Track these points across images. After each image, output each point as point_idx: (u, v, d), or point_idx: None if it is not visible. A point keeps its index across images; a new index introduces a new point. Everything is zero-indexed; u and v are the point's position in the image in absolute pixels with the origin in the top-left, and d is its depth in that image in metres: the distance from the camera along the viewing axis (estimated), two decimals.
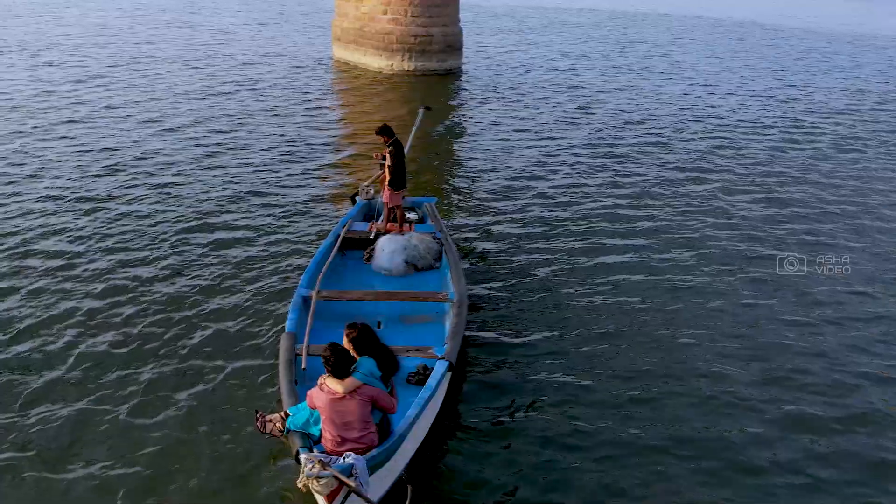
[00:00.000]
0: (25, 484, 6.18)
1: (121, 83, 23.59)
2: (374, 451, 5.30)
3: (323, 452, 5.20)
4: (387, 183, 10.08)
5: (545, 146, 17.56)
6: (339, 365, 5.26)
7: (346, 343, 5.61)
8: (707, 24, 51.79)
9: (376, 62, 27.89)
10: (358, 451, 5.21)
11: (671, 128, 20.10)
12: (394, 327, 8.18)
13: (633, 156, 17.01)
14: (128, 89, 22.66)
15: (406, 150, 12.25)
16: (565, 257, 11.18)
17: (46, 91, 21.86)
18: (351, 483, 4.48)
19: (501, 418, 7.24)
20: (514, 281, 10.29)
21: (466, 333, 8.60)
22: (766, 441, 7.11)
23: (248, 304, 9.31)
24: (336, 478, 4.45)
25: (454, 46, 28.07)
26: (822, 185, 15.42)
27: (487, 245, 11.59)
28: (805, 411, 7.62)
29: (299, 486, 4.49)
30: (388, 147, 10.01)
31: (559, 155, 16.82)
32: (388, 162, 10.00)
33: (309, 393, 5.45)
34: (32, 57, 27.85)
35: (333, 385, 5.27)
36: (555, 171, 15.49)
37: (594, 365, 8.25)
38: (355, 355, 5.55)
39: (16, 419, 6.99)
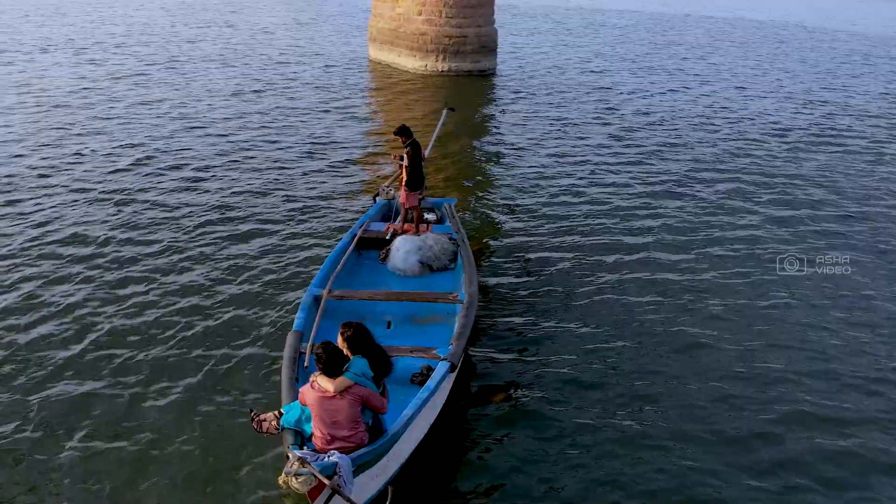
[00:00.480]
0: (20, 460, 6.39)
1: (158, 81, 24.09)
2: (361, 451, 5.30)
3: (312, 450, 5.24)
4: (403, 183, 10.09)
5: (572, 148, 17.42)
6: (330, 363, 5.29)
7: (340, 341, 5.63)
8: (749, 27, 50.92)
9: (410, 63, 27.99)
10: (347, 450, 5.22)
11: (698, 129, 19.78)
12: (404, 328, 8.19)
13: (656, 157, 16.77)
14: (164, 87, 23.12)
15: (428, 151, 12.29)
16: (579, 257, 11.11)
17: (86, 88, 22.42)
18: (325, 480, 4.49)
19: (506, 420, 7.19)
20: (529, 281, 10.24)
21: (480, 335, 8.64)
22: (764, 440, 7.08)
23: (262, 300, 9.39)
24: (315, 476, 4.48)
25: (489, 47, 28.01)
26: (837, 189, 15.04)
27: (505, 244, 11.54)
28: (805, 411, 7.57)
29: (280, 482, 4.54)
30: (406, 148, 10.02)
31: (585, 157, 16.68)
32: (405, 163, 10.00)
33: (301, 390, 5.49)
34: (76, 55, 28.60)
35: (324, 383, 5.30)
36: (579, 173, 15.36)
37: (601, 366, 8.19)
38: (349, 354, 5.58)
39: (26, 396, 7.22)
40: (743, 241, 11.96)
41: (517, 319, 9.18)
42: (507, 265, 10.83)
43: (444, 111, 13.34)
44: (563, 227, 12.30)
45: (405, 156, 9.99)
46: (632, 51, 35.53)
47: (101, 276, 9.91)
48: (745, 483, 6.45)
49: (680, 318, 9.36)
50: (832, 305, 9.95)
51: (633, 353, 8.48)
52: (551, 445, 6.81)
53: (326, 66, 28.66)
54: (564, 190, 14.20)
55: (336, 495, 4.71)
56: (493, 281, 10.26)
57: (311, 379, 5.42)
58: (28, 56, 28.06)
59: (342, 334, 5.63)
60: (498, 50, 29.05)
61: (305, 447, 5.37)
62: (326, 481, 4.48)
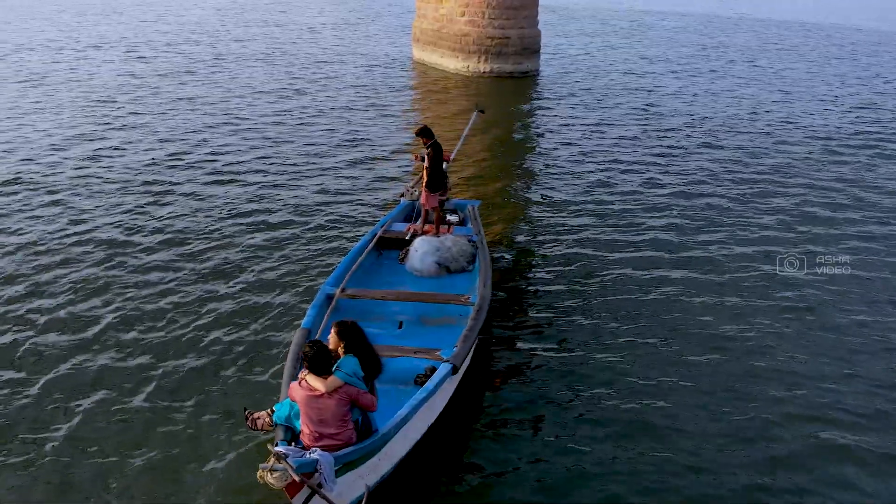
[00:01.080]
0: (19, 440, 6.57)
1: (203, 78, 24.61)
2: (346, 450, 5.29)
3: (301, 447, 5.27)
4: (424, 184, 10.11)
5: (609, 151, 17.18)
6: (317, 362, 5.30)
7: (333, 338, 5.66)
8: (803, 29, 49.54)
9: (453, 64, 28.00)
10: (334, 448, 5.21)
11: (736, 133, 19.27)
12: (414, 328, 8.19)
13: (692, 162, 16.37)
14: (208, 84, 23.60)
15: (455, 153, 12.30)
16: (599, 257, 11.04)
17: (133, 84, 23.03)
18: (296, 477, 4.48)
19: (509, 424, 7.12)
20: (544, 286, 10.16)
21: (493, 339, 8.60)
22: (763, 440, 7.03)
23: (278, 295, 9.51)
24: (294, 472, 4.48)
25: (531, 49, 27.83)
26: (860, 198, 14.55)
27: (526, 247, 11.46)
28: (804, 410, 7.51)
29: (257, 476, 4.56)
30: (427, 149, 10.03)
31: (619, 160, 16.41)
32: (425, 163, 10.02)
33: (290, 386, 5.52)
34: (126, 52, 29.39)
35: (314, 382, 5.31)
36: (611, 177, 15.10)
37: (611, 364, 8.18)
38: (341, 352, 5.60)
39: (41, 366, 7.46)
40: (762, 242, 11.73)
41: (535, 321, 9.13)
42: (531, 266, 10.78)
43: (475, 113, 13.31)
44: (586, 230, 12.17)
45: (426, 157, 10.01)
46: (678, 53, 34.88)
47: (125, 262, 10.35)
48: (742, 478, 6.48)
49: (702, 317, 9.32)
50: (831, 304, 9.82)
51: (642, 354, 8.46)
52: (557, 448, 6.74)
53: (369, 65, 28.87)
54: (593, 194, 13.99)
55: (317, 493, 4.72)
56: (515, 281, 10.22)
57: (299, 376, 5.45)
58: (82, 53, 28.95)
59: (335, 331, 5.64)
60: (541, 51, 28.83)
61: (294, 444, 5.40)
62: (296, 477, 4.48)
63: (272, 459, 4.51)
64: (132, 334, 8.51)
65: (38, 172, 14.13)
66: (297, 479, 4.49)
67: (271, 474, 4.47)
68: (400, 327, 8.24)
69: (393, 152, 16.70)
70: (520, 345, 8.61)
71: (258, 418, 6.00)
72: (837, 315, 9.56)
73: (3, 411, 7.09)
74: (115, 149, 15.93)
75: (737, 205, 13.64)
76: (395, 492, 6.03)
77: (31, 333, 8.51)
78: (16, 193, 13.04)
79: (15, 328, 8.62)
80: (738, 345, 8.74)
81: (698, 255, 11.32)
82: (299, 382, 5.39)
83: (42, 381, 7.59)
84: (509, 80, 26.67)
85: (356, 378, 5.42)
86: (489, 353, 8.35)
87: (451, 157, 11.81)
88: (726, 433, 7.08)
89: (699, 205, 13.58)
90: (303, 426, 5.42)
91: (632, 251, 11.43)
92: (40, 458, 6.44)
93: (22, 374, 7.71)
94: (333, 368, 5.38)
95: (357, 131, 18.34)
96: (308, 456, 4.83)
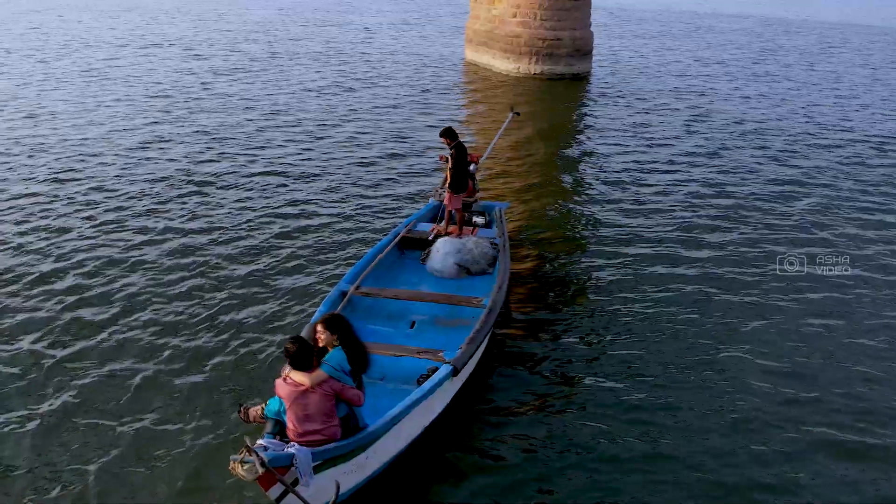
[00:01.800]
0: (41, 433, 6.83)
1: (256, 76, 25.12)
2: (328, 445, 5.30)
3: (284, 441, 5.35)
4: (447, 185, 10.14)
5: (653, 155, 16.85)
6: (298, 357, 5.36)
7: (321, 332, 5.68)
8: (869, 33, 47.71)
9: (504, 65, 27.91)
10: (318, 444, 5.25)
11: (786, 138, 18.74)
12: (426, 329, 8.19)
13: (736, 166, 16.00)
14: (260, 82, 24.09)
15: (486, 154, 12.30)
16: (624, 263, 10.90)
17: (188, 82, 23.66)
18: (260, 469, 4.49)
19: (512, 425, 7.11)
20: (562, 290, 10.11)
21: (506, 341, 8.58)
22: (762, 440, 7.00)
23: (296, 290, 9.68)
24: (263, 465, 4.52)
25: (583, 50, 27.53)
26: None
27: (553, 250, 11.35)
28: (805, 410, 7.47)
29: (229, 469, 4.61)
30: (451, 150, 10.05)
31: (662, 164, 16.12)
32: (448, 164, 10.04)
33: (276, 382, 5.58)
34: (184, 50, 30.22)
35: (298, 377, 5.37)
36: (651, 180, 14.86)
37: (624, 370, 8.14)
38: (331, 341, 5.61)
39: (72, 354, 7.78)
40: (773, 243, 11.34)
41: (551, 327, 9.04)
42: (558, 267, 10.73)
43: (510, 114, 13.26)
44: (616, 233, 12.03)
45: (449, 158, 10.03)
46: (735, 56, 34.03)
47: (150, 255, 10.70)
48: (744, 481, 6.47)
49: (713, 325, 9.13)
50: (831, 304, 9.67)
51: (655, 357, 8.41)
52: (555, 461, 6.67)
53: (421, 66, 29.03)
54: (630, 197, 13.79)
55: (289, 490, 4.76)
56: (536, 282, 10.19)
57: (283, 373, 5.53)
58: (144, 51, 29.90)
59: (323, 326, 5.69)
60: (594, 53, 28.51)
61: (280, 438, 5.47)
62: (261, 470, 4.51)
63: (244, 451, 4.57)
64: (148, 314, 8.94)
65: (90, 163, 14.74)
66: (261, 472, 4.53)
67: (242, 466, 4.53)
68: (412, 327, 8.28)
69: (433, 152, 16.75)
70: (533, 348, 8.54)
71: (251, 410, 6.12)
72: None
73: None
74: (163, 140, 16.49)
75: (788, 208, 13.26)
76: (388, 492, 6.05)
77: (71, 305, 9.12)
78: (69, 181, 13.64)
79: (53, 300, 9.23)
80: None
81: (760, 266, 11.04)
82: (284, 379, 5.46)
83: (77, 348, 8.03)
84: (560, 82, 26.45)
85: (342, 372, 5.45)
86: (501, 357, 8.32)
87: (482, 160, 11.80)
88: (723, 432, 7.08)
89: (755, 216, 13.17)
90: (288, 421, 5.47)
91: (682, 265, 11.09)
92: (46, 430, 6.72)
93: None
94: (322, 361, 5.44)
95: (400, 131, 18.46)
96: (285, 450, 4.88)
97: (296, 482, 4.86)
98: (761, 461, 6.68)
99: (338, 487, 5.19)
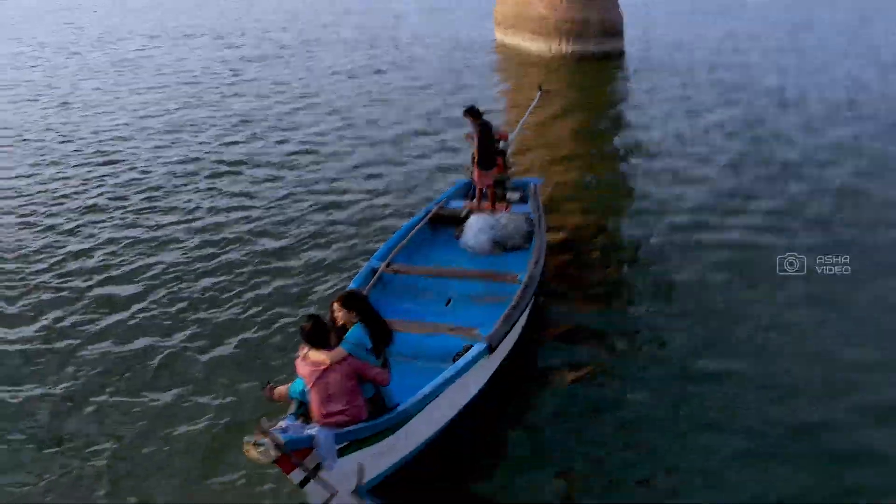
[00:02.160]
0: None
1: (287, 62, 25.05)
2: (353, 427, 5.02)
3: (306, 423, 5.11)
4: (475, 163, 9.90)
5: (690, 125, 16.36)
6: (314, 335, 5.12)
7: (339, 310, 5.45)
8: None
9: (534, 45, 27.43)
10: (343, 425, 4.99)
11: (827, 106, 18.05)
12: (461, 306, 7.93)
13: (777, 135, 15.42)
14: (292, 67, 24.00)
15: (516, 131, 12.02)
16: (666, 244, 10.44)
17: (219, 69, 23.66)
18: (273, 452, 4.22)
19: (552, 411, 6.84)
20: (604, 260, 9.95)
21: (545, 321, 8.29)
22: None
23: (328, 267, 9.62)
24: (278, 448, 4.27)
25: (612, 31, 26.94)
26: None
27: (584, 229, 11.00)
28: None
29: (243, 451, 4.38)
30: (477, 128, 9.81)
31: (700, 134, 15.63)
32: (475, 142, 9.81)
33: (296, 362, 5.33)
34: (215, 39, 30.24)
35: (316, 355, 5.13)
36: (689, 150, 14.39)
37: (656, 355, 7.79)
38: (350, 318, 5.39)
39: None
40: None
41: (591, 305, 8.78)
42: (588, 248, 10.38)
43: (539, 93, 12.97)
44: (635, 214, 11.67)
45: (475, 136, 9.80)
46: (769, 33, 32.88)
47: (179, 233, 10.75)
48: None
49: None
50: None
51: (701, 329, 8.11)
52: (602, 437, 6.42)
53: (453, 48, 28.64)
54: (651, 177, 13.23)
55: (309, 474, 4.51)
56: (572, 263, 9.89)
57: (300, 353, 5.28)
58: (175, 42, 30.00)
59: (339, 304, 5.45)
60: (627, 31, 27.86)
61: (303, 419, 5.24)
62: (274, 453, 4.23)
63: (258, 433, 4.35)
64: (176, 291, 8.99)
65: (121, 147, 14.86)
66: (276, 455, 4.28)
67: (255, 448, 4.29)
68: (448, 304, 8.03)
69: (463, 129, 16.47)
70: (577, 320, 8.33)
71: (277, 389, 5.90)
72: None
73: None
74: (194, 124, 16.54)
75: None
76: (422, 477, 5.79)
77: (100, 281, 9.25)
78: (101, 165, 13.74)
79: (82, 277, 9.32)
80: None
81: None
82: (302, 357, 5.23)
83: (105, 324, 8.14)
84: (592, 61, 25.87)
85: (362, 349, 5.21)
86: (541, 331, 8.04)
87: (511, 136, 11.55)
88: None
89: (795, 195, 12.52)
90: (311, 403, 5.23)
91: (724, 232, 10.67)
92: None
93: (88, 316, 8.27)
94: (343, 340, 5.20)
95: (432, 111, 18.17)
96: (305, 432, 4.64)
97: (318, 467, 4.60)
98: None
99: (362, 471, 4.93)
